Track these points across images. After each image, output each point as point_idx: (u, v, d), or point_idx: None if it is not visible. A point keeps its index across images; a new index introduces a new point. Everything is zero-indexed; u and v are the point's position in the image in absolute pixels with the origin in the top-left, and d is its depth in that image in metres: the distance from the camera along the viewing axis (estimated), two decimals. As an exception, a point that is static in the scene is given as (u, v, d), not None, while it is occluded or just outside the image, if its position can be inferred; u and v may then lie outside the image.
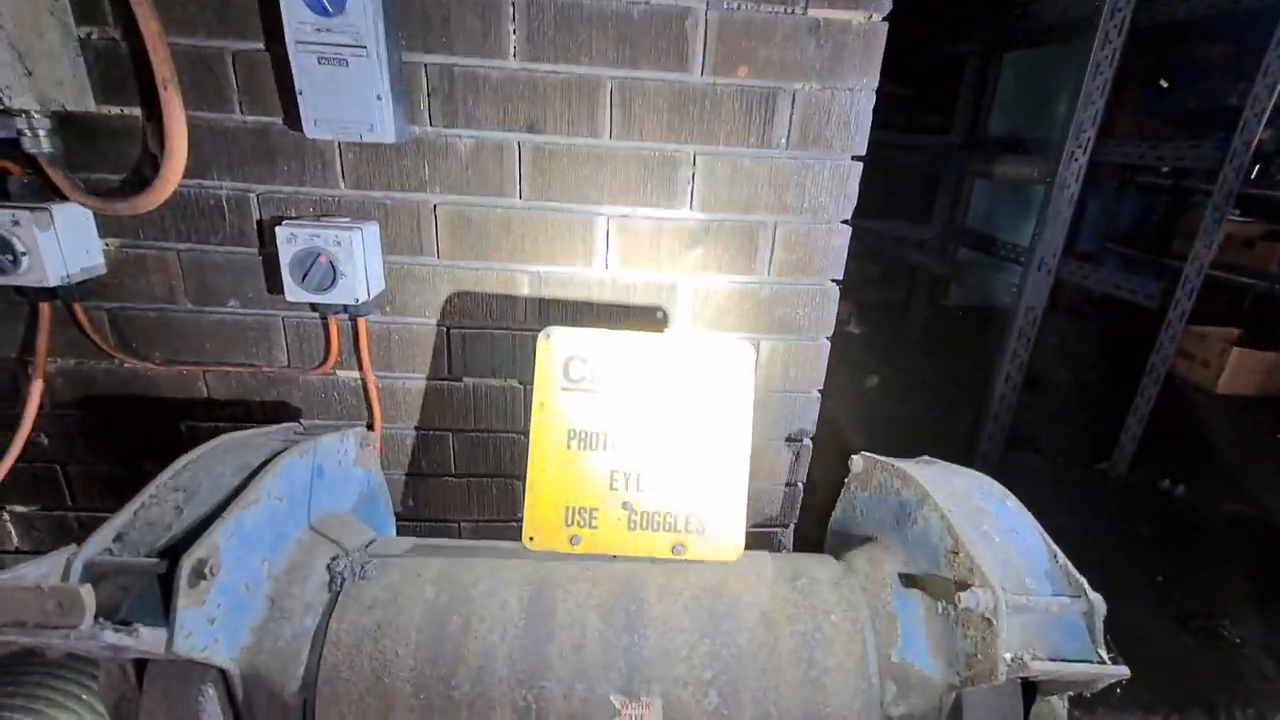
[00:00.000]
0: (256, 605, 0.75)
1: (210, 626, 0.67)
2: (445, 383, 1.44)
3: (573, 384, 0.90)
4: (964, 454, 3.06)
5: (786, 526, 1.68)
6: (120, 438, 1.46)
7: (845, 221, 1.38)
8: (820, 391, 1.52)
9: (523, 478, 1.55)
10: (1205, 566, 2.52)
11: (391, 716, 0.76)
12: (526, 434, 1.49)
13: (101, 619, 0.56)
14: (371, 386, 1.39)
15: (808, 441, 1.56)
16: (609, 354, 0.90)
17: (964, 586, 0.71)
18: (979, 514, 0.79)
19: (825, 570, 0.90)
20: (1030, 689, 0.78)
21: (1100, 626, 0.65)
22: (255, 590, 0.75)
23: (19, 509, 1.54)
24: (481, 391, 1.46)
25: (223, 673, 0.73)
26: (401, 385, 1.45)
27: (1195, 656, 2.21)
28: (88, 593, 0.55)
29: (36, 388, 1.30)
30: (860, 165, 1.35)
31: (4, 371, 1.38)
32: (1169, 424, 3.36)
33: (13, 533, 1.56)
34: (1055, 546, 0.75)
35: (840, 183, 1.35)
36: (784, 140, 1.30)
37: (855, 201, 1.37)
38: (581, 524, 0.88)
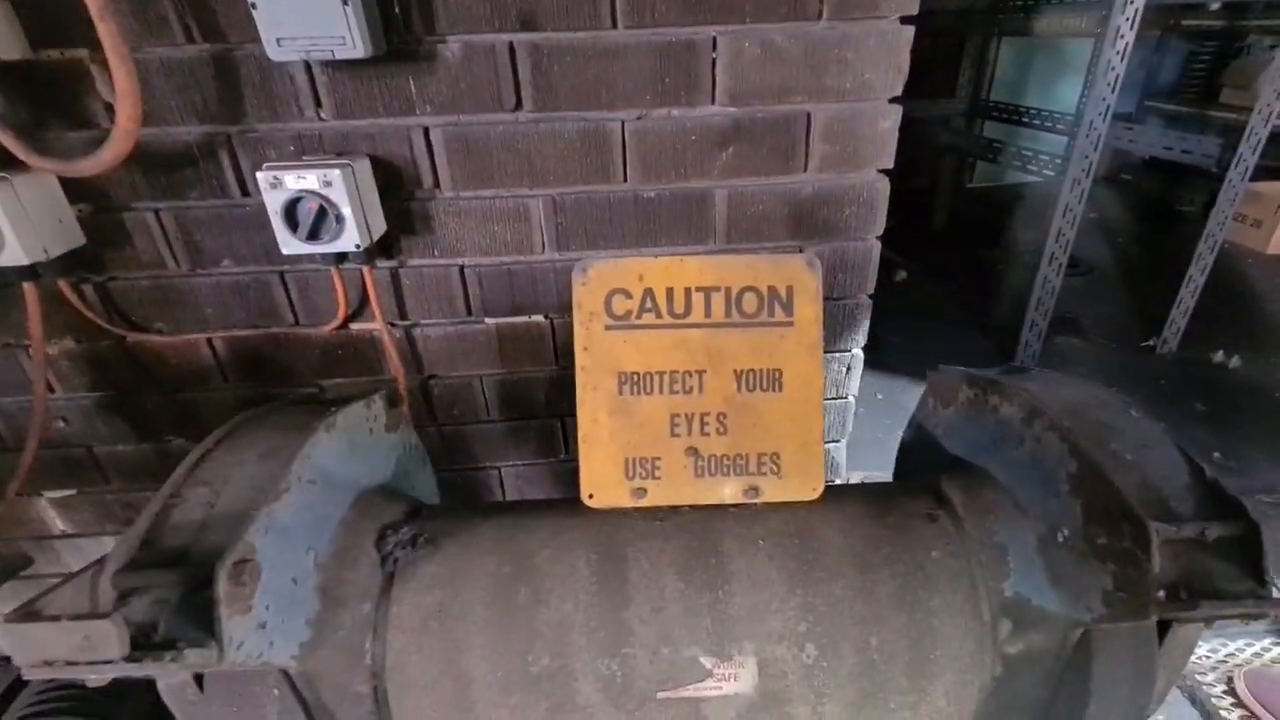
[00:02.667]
0: (308, 599, 0.69)
1: (262, 631, 0.61)
2: (465, 326, 1.34)
3: (618, 321, 0.79)
4: (1007, 344, 2.94)
5: (839, 442, 1.60)
6: (139, 415, 1.40)
7: (895, 99, 1.20)
8: (870, 296, 1.40)
9: (560, 416, 1.48)
10: (1264, 440, 2.43)
11: (469, 696, 0.72)
12: (559, 371, 1.40)
13: (137, 649, 0.49)
14: (387, 339, 1.29)
15: (858, 351, 1.46)
16: (656, 283, 0.78)
17: (1098, 516, 0.62)
18: (1102, 429, 0.69)
19: (916, 503, 0.81)
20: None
21: (1266, 552, 0.56)
22: (304, 584, 0.68)
23: (57, 494, 1.50)
24: (505, 331, 1.35)
25: (285, 672, 0.68)
26: (420, 334, 1.35)
27: (1256, 529, 2.15)
28: (118, 623, 0.48)
29: (38, 372, 1.21)
30: (912, 30, 1.16)
31: (7, 360, 1.30)
32: (1219, 293, 3.18)
33: (55, 518, 1.54)
34: (1198, 461, 0.65)
35: (889, 53, 1.16)
36: (820, 7, 1.11)
37: (906, 74, 1.19)
38: (644, 475, 0.80)
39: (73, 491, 1.50)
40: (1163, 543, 0.57)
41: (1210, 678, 1.80)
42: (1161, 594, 0.56)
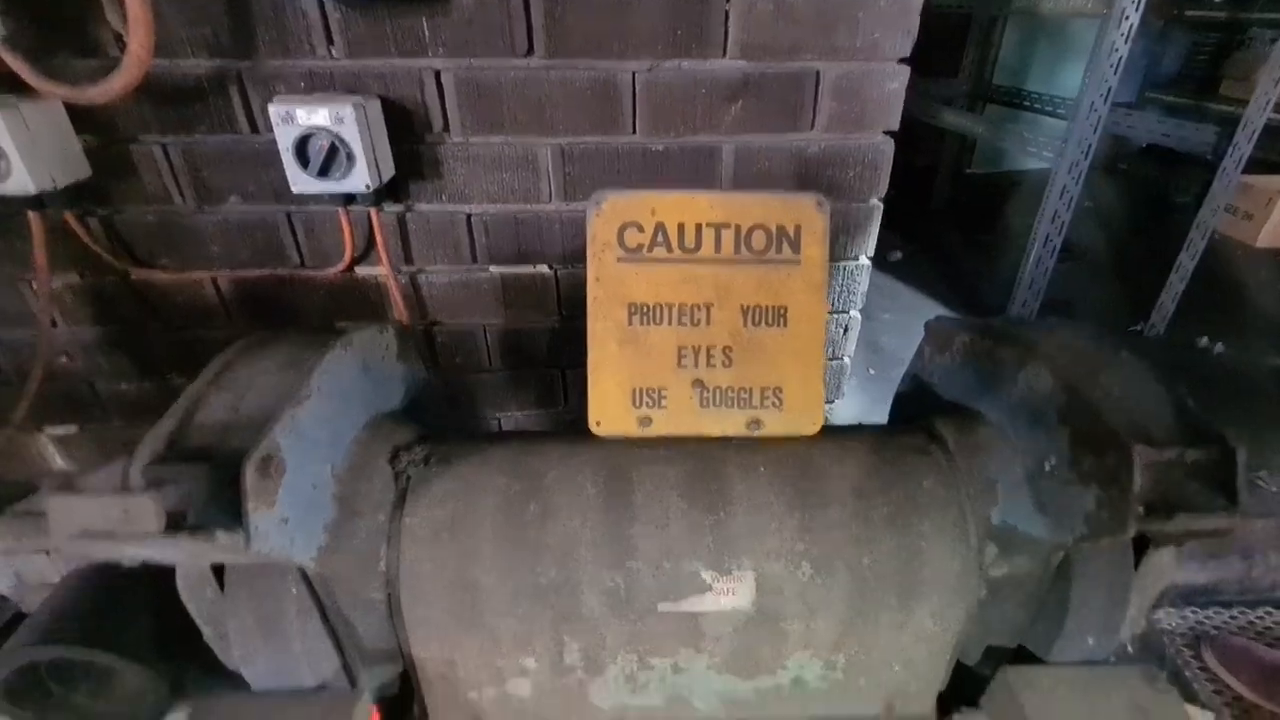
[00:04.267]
0: (326, 506, 0.71)
1: (284, 527, 0.63)
2: (471, 274, 1.35)
3: (630, 254, 0.81)
4: (996, 323, 2.98)
5: (832, 403, 1.64)
6: (142, 352, 1.40)
7: (904, 60, 1.21)
8: (869, 258, 1.43)
9: (562, 367, 1.50)
10: (1244, 421, 2.50)
11: (479, 605, 0.75)
12: (562, 322, 1.43)
13: (170, 529, 0.51)
14: (393, 284, 1.31)
15: (855, 314, 1.49)
16: (668, 217, 0.80)
17: (1084, 442, 0.65)
18: (1092, 367, 0.72)
19: (910, 439, 0.85)
20: (1141, 543, 0.75)
21: (1243, 475, 0.60)
22: (323, 490, 0.71)
23: (58, 430, 1.51)
24: (510, 281, 1.37)
25: (303, 572, 0.70)
26: (425, 280, 1.36)
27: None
28: (155, 499, 0.50)
29: (43, 305, 1.22)
30: (922, -8, 1.17)
31: (11, 293, 1.30)
32: (1206, 281, 3.24)
33: (55, 454, 1.55)
34: (1183, 394, 0.69)
35: (899, 14, 1.17)
36: (831, -35, 1.12)
37: (915, 35, 1.20)
38: (650, 405, 0.83)
39: (74, 428, 1.51)
40: (1144, 465, 0.61)
41: (1179, 643, 1.88)
42: (1141, 510, 0.60)
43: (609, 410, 0.83)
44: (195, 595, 0.72)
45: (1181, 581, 2.04)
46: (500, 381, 1.51)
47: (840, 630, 0.78)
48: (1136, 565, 0.74)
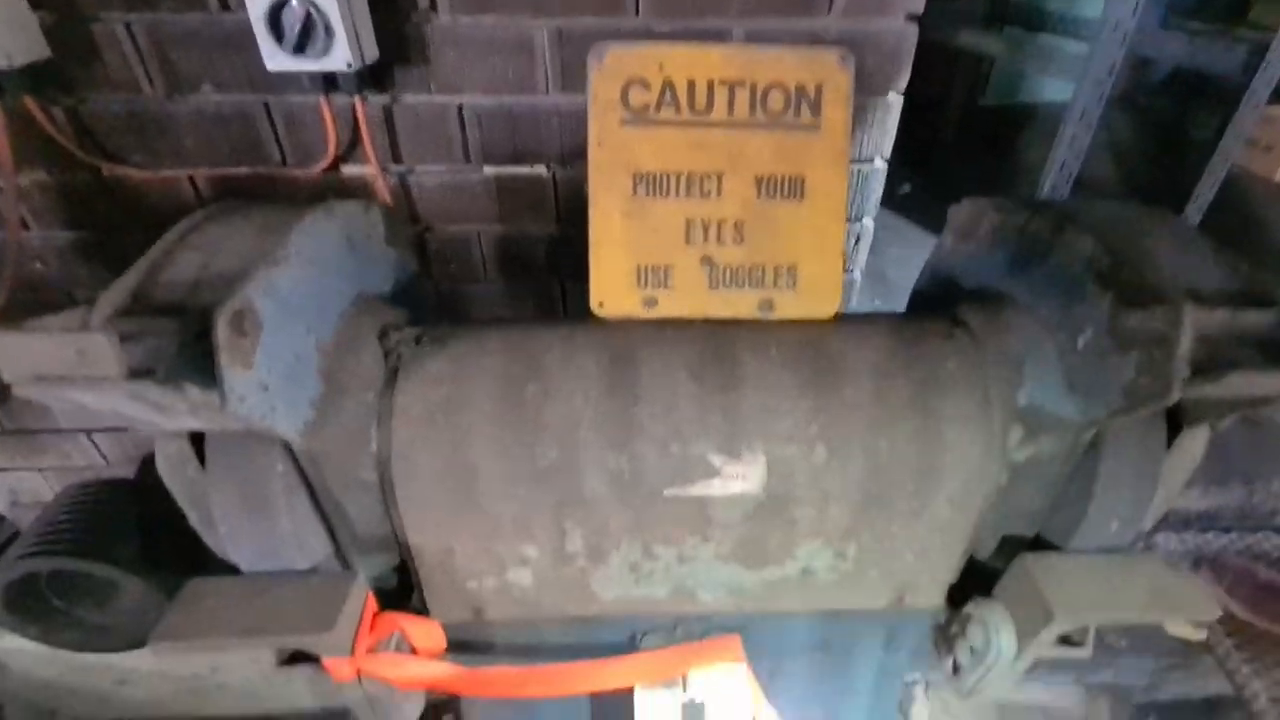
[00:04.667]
0: (311, 380, 0.67)
1: (265, 394, 0.58)
2: (463, 174, 1.28)
3: (635, 115, 0.74)
4: (1006, 254, 2.91)
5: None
6: (119, 258, 1.33)
7: (928, -67, 1.11)
8: (885, 160, 1.35)
9: (561, 278, 1.44)
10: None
11: (476, 488, 0.71)
12: (560, 229, 1.36)
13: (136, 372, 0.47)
14: (381, 184, 1.23)
15: (868, 222, 1.41)
16: (677, 74, 0.73)
17: (1128, 304, 0.60)
18: (1138, 230, 0.67)
19: (933, 323, 0.80)
20: (1174, 426, 0.71)
21: (1298, 333, 0.55)
22: (306, 363, 0.66)
23: (37, 345, 1.46)
24: (505, 182, 1.29)
25: (288, 448, 0.66)
26: (415, 180, 1.28)
27: (1232, 436, 2.21)
28: (111, 338, 0.45)
29: (10, 202, 1.15)
30: None
31: (-28, 191, 1.23)
32: (1223, 213, 3.14)
33: (38, 371, 1.51)
34: (1236, 258, 0.63)
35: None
36: None
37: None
38: (656, 284, 0.77)
39: (56, 341, 1.45)
40: (1193, 324, 0.56)
41: (1178, 564, 1.89)
42: (1188, 371, 0.55)
43: (612, 290, 0.77)
44: (176, 473, 0.68)
45: (1182, 507, 2.04)
46: (496, 293, 1.45)
47: (853, 517, 0.75)
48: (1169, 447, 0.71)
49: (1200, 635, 1.78)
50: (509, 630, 0.84)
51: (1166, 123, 4.50)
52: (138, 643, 1.63)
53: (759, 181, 0.75)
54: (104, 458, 1.65)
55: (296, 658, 0.79)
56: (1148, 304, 0.58)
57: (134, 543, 1.44)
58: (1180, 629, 1.81)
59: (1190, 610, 0.68)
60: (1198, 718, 1.87)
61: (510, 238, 1.36)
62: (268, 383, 0.59)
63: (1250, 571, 1.83)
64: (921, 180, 3.75)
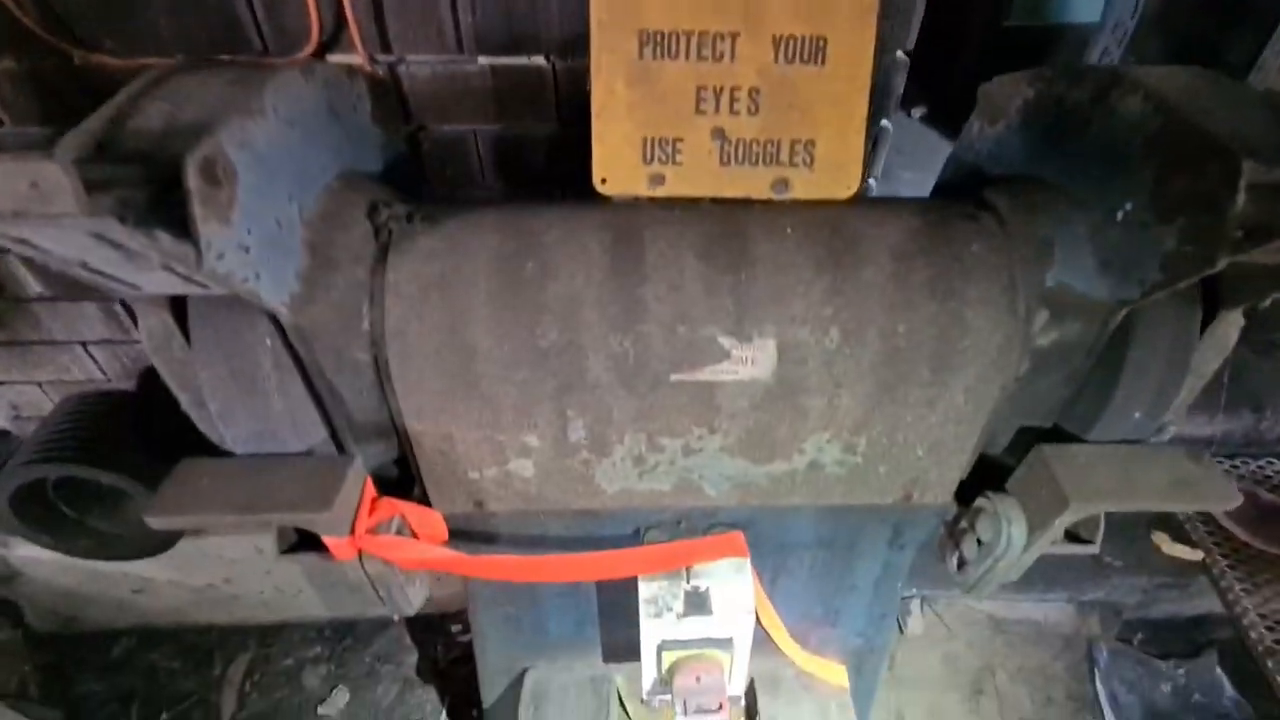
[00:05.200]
0: (295, 249, 0.63)
1: (246, 256, 0.55)
2: (457, 65, 1.19)
3: (643, -35, 0.67)
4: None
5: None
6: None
7: None
8: (908, 55, 1.26)
9: (563, 184, 1.38)
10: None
11: (474, 370, 0.68)
12: (561, 128, 1.28)
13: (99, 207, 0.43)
14: (368, 75, 1.15)
15: (886, 124, 1.33)
16: (690, -83, 0.65)
17: (1178, 164, 0.55)
18: (1188, 92, 0.61)
19: (958, 206, 0.75)
20: (1210, 310, 0.67)
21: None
22: (290, 231, 0.62)
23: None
24: (502, 75, 1.21)
25: (277, 325, 0.63)
26: (406, 72, 1.20)
27: (1249, 365, 2.18)
28: (67, 168, 0.41)
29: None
30: None
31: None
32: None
33: (28, 277, 1.47)
34: (1299, 117, 0.58)
35: None
36: None
37: None
38: (663, 160, 0.72)
39: (42, 248, 1.41)
40: (1249, 184, 0.51)
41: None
42: (1239, 233, 0.51)
43: (616, 166, 0.72)
44: (161, 350, 0.66)
45: (1190, 433, 2.03)
46: (495, 199, 1.39)
47: (865, 408, 0.72)
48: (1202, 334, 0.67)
49: (1196, 556, 1.81)
50: (511, 522, 0.83)
51: (1201, 44, 4.26)
52: (148, 551, 1.66)
53: (777, 43, 0.69)
54: (102, 371, 1.64)
55: (299, 546, 0.79)
56: (1200, 164, 0.53)
57: (139, 452, 1.44)
58: (1177, 550, 1.83)
59: (1212, 499, 0.67)
60: (1184, 634, 1.91)
61: (509, 138, 1.29)
62: (248, 244, 0.55)
63: (1252, 494, 1.84)
64: (938, 104, 3.58)
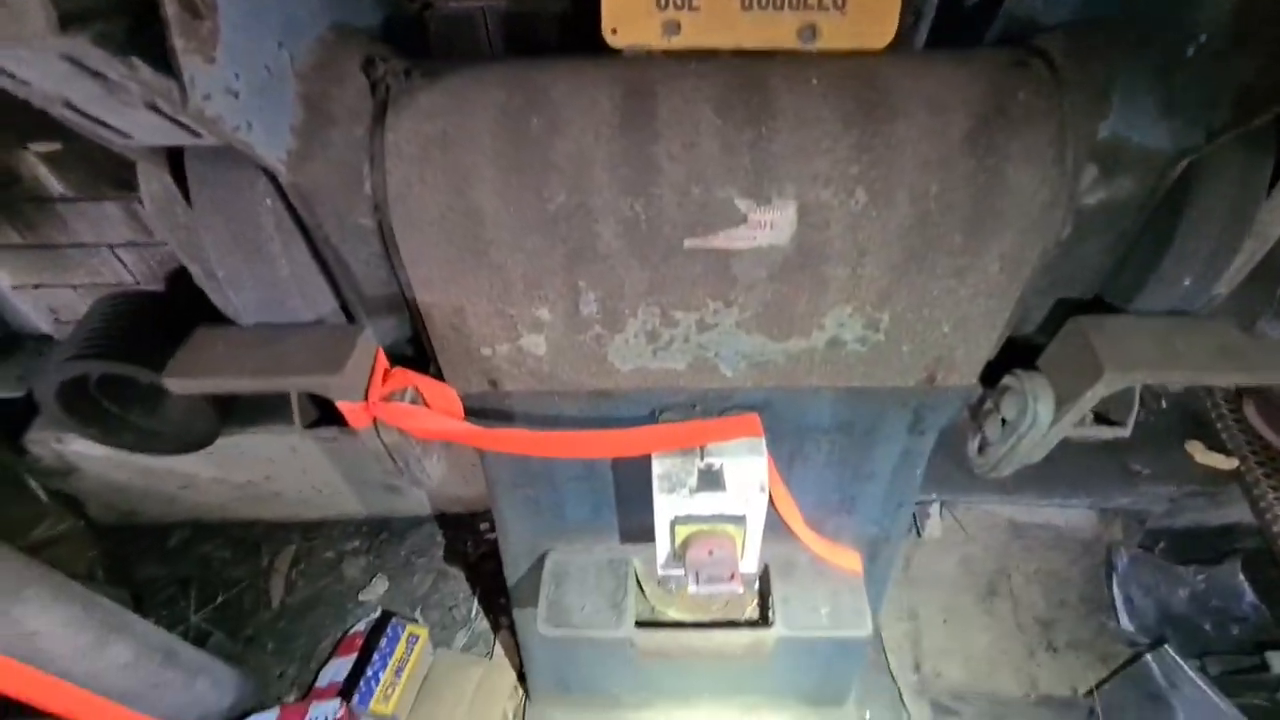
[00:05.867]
0: (288, 102, 0.60)
1: (235, 101, 0.52)
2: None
3: None
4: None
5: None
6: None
7: None
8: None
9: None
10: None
11: (482, 236, 0.66)
12: (575, 2, 1.20)
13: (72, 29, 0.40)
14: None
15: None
16: None
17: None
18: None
19: (1004, 53, 0.68)
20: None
21: None
22: (281, 80, 0.59)
23: (43, 147, 1.41)
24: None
25: (277, 186, 0.61)
26: (410, -60, 1.12)
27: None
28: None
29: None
30: None
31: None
32: None
33: (50, 177, 1.47)
34: None
35: None
36: None
37: None
38: (679, 5, 0.66)
39: (57, 145, 1.40)
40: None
41: (1220, 395, 1.83)
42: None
43: (627, 13, 0.66)
44: (165, 216, 0.65)
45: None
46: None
47: (890, 279, 0.69)
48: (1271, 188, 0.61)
49: (1230, 464, 1.76)
50: (526, 402, 0.83)
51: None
52: (189, 447, 1.74)
53: None
54: (131, 274, 1.67)
55: (321, 421, 0.80)
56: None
57: (170, 350, 1.48)
58: (1211, 458, 1.79)
59: (1263, 370, 0.62)
60: (1208, 543, 1.90)
61: (519, 15, 1.21)
62: (236, 89, 0.52)
63: (1296, 404, 1.76)
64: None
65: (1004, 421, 0.76)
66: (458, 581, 1.94)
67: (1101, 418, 0.78)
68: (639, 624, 1.01)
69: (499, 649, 1.77)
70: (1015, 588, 1.85)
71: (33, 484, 1.78)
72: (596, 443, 0.77)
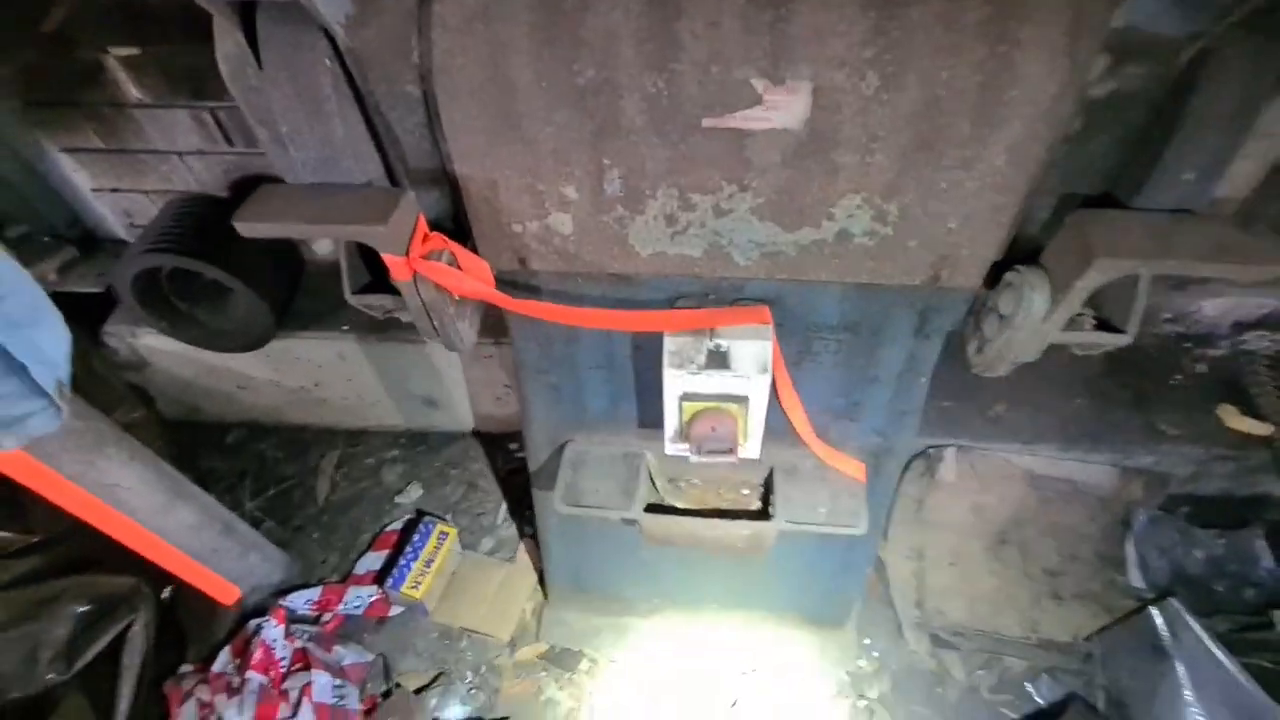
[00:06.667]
0: (346, -32, 0.66)
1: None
2: None
3: None
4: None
5: None
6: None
7: None
8: None
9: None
10: None
11: (515, 109, 0.72)
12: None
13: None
14: None
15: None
16: None
17: None
18: None
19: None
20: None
21: None
22: (342, -53, 0.65)
23: (122, 51, 1.51)
24: None
25: (335, 47, 0.68)
26: None
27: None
28: None
29: None
30: None
31: None
32: None
33: (128, 81, 1.58)
34: None
35: None
36: None
37: None
38: (712, -110, 0.69)
39: (136, 50, 1.51)
40: None
41: (1260, 363, 1.79)
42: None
43: (662, -103, 0.69)
44: (238, 79, 0.72)
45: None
46: None
47: (898, 169, 0.72)
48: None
49: (1265, 430, 1.73)
50: (552, 281, 0.90)
51: None
52: (246, 346, 1.88)
53: None
54: (199, 182, 1.79)
55: (368, 289, 0.89)
56: None
57: (237, 255, 1.61)
58: (1245, 423, 1.76)
59: (1256, 265, 0.64)
60: (1233, 512, 1.87)
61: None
62: (300, -55, 0.58)
63: (1340, 371, 1.71)
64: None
65: (1001, 317, 0.79)
66: (486, 493, 2.07)
67: (1105, 325, 0.80)
68: (648, 508, 1.08)
69: (522, 555, 1.90)
70: (1027, 538, 1.87)
71: (109, 374, 1.96)
72: (615, 319, 0.84)
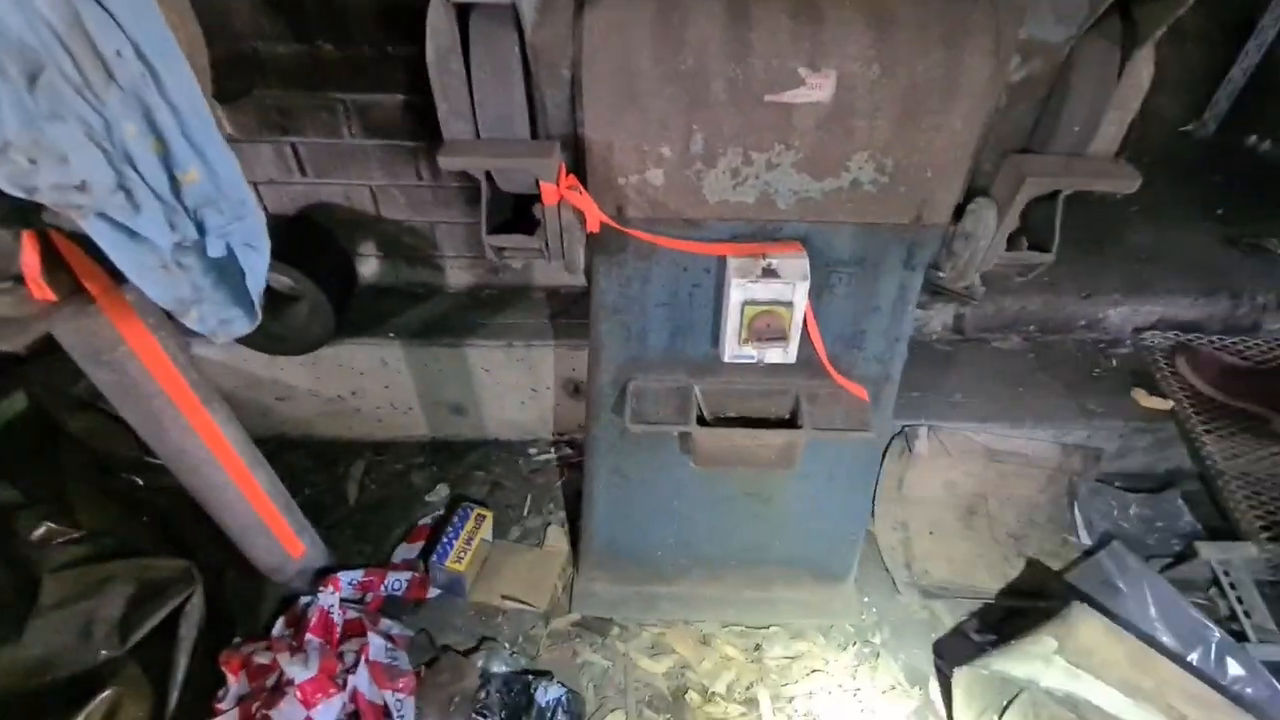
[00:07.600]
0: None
1: (522, -27, 0.91)
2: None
3: None
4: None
5: None
6: (297, 11, 1.65)
7: None
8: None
9: None
10: (1269, 203, 2.66)
11: (636, 87, 1.05)
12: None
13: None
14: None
15: None
16: None
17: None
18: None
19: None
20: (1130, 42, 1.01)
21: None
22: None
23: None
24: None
25: (521, 38, 1.00)
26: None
27: (1235, 263, 2.47)
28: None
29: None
30: None
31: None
32: (1272, 81, 3.22)
33: (224, 119, 1.86)
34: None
35: None
36: None
37: None
38: (764, -43, 1.07)
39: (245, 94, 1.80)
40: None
41: (1159, 355, 2.21)
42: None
43: (732, -40, 1.07)
44: (442, 64, 1.03)
45: (1173, 315, 2.35)
46: None
47: (893, 130, 1.07)
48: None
49: (1166, 405, 2.13)
50: (639, 225, 1.20)
51: None
52: (304, 349, 2.07)
53: (846, -125, 1.03)
54: (265, 208, 2.03)
55: (503, 228, 1.17)
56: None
57: (308, 267, 1.84)
58: (1152, 401, 2.16)
59: (1119, 178, 1.02)
60: (1156, 482, 2.23)
61: None
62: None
63: (1217, 357, 2.16)
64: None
65: (967, 236, 1.13)
66: (512, 490, 2.24)
67: (1036, 245, 1.15)
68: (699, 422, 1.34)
69: (549, 540, 2.06)
70: (991, 509, 2.17)
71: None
72: (702, 246, 1.14)
